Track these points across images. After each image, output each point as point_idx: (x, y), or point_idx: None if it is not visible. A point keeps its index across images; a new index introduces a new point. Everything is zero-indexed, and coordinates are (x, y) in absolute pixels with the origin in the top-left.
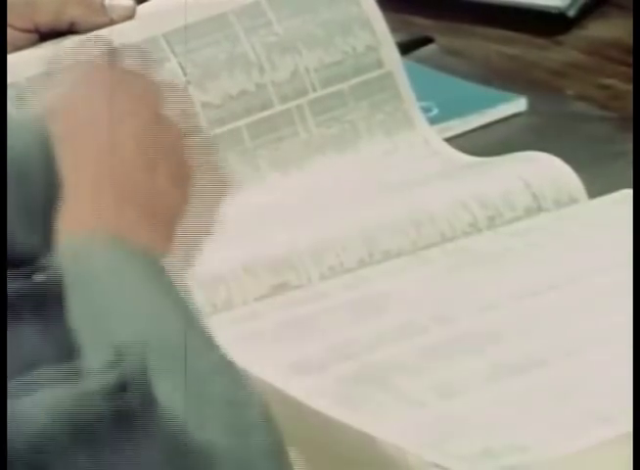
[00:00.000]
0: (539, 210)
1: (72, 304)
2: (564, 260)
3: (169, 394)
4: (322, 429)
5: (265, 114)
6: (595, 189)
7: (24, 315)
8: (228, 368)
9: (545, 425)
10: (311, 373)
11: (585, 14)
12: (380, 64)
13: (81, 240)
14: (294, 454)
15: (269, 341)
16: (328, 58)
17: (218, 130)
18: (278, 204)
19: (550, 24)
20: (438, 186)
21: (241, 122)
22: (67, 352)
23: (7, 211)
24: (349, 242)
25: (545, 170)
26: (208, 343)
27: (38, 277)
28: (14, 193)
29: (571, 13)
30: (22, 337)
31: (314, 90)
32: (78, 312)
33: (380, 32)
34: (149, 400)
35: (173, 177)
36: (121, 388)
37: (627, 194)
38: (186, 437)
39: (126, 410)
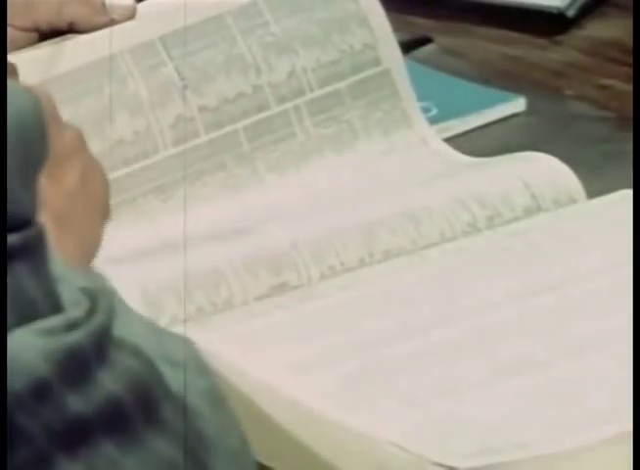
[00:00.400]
0: (538, 210)
1: None
2: (563, 261)
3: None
4: (322, 429)
5: (262, 115)
6: (594, 189)
7: (23, 270)
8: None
9: (545, 423)
10: (311, 373)
11: (585, 14)
12: (377, 61)
13: None
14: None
15: (269, 341)
16: (325, 57)
17: (215, 134)
18: (277, 204)
19: (549, 24)
20: (438, 186)
21: (238, 125)
22: (56, 303)
23: (8, 170)
24: (350, 241)
25: (544, 171)
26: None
27: (31, 232)
28: (16, 155)
29: (571, 13)
30: (23, 291)
31: (311, 90)
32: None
33: (378, 29)
34: (118, 338)
35: (81, 178)
36: (103, 329)
37: (626, 194)
38: (150, 366)
39: (105, 349)
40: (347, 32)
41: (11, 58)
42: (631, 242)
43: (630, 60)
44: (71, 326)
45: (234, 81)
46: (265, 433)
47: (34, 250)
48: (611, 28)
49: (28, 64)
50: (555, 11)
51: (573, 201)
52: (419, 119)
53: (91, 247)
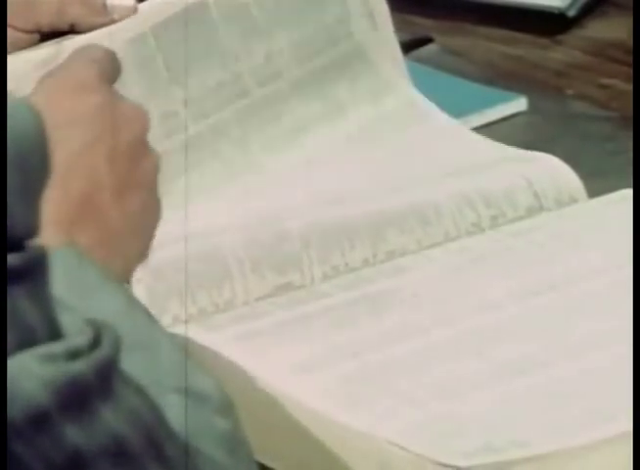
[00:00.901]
0: (541, 209)
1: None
2: (564, 260)
3: (134, 369)
4: (323, 428)
5: (246, 100)
6: (595, 189)
7: (21, 293)
8: (182, 355)
9: (546, 422)
10: (312, 373)
11: (585, 14)
12: (350, 35)
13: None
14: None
15: (270, 340)
16: (300, 35)
17: (203, 124)
18: (284, 202)
19: (550, 24)
20: (444, 182)
21: (225, 113)
22: (56, 330)
23: (8, 191)
24: (357, 242)
25: (545, 170)
26: (164, 334)
27: (30, 254)
28: (14, 172)
29: (572, 13)
30: (20, 314)
31: (289, 70)
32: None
33: (350, 2)
34: (123, 375)
35: (142, 205)
36: (107, 362)
37: (626, 194)
38: (152, 407)
39: (109, 383)
40: (321, 7)
41: (11, 58)
42: (631, 242)
43: (631, 59)
44: (73, 355)
45: (215, 70)
46: (266, 432)
47: (33, 273)
48: (612, 28)
49: (29, 64)
50: (556, 11)
51: (574, 200)
52: (404, 84)
53: (133, 268)
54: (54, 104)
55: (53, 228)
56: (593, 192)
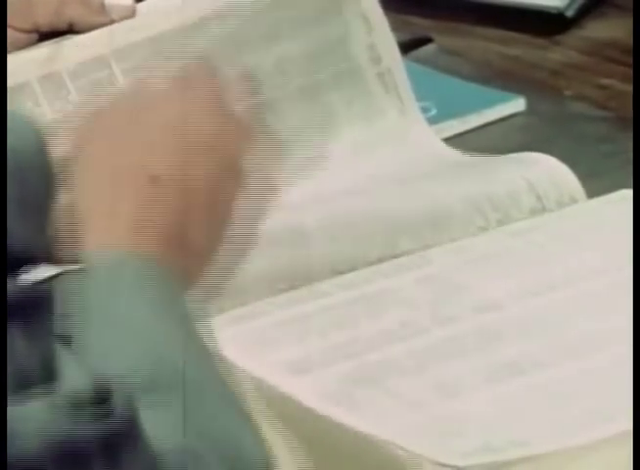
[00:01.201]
0: (543, 210)
1: (74, 327)
2: (563, 260)
3: (158, 427)
4: (322, 429)
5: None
6: (593, 189)
7: (16, 331)
8: (231, 405)
9: (545, 422)
10: (311, 373)
11: (584, 14)
12: (347, 57)
13: (101, 259)
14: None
15: (269, 340)
16: (307, 47)
17: None
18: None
19: (548, 25)
20: (450, 187)
21: None
22: (50, 372)
23: (7, 208)
24: (371, 249)
25: (544, 171)
26: (213, 379)
27: (29, 289)
28: (12, 188)
29: (570, 13)
30: (14, 354)
31: (293, 80)
32: (77, 335)
33: (350, 24)
34: (135, 433)
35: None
36: (111, 418)
37: (626, 194)
38: None
39: (113, 440)
40: (322, 26)
41: (10, 58)
42: (631, 242)
43: (629, 60)
44: (75, 406)
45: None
46: (265, 432)
47: (32, 310)
48: (610, 28)
49: (28, 63)
50: (554, 11)
51: (574, 201)
52: (397, 111)
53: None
54: (163, 103)
55: (123, 231)
56: (590, 193)
